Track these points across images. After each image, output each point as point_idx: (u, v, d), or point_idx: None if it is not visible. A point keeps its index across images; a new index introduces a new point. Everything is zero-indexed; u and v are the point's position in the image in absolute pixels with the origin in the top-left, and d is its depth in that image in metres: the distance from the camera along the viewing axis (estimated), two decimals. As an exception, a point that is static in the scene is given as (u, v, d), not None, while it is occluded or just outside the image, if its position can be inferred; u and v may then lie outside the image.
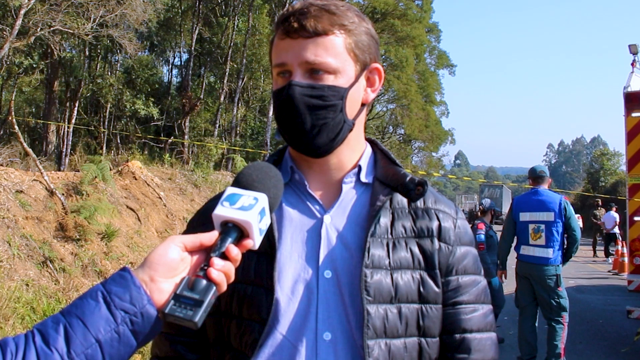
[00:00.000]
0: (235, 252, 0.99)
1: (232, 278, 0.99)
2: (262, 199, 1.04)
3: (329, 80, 1.22)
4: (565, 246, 5.99)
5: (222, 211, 1.02)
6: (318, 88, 1.21)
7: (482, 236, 7.26)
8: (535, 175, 6.26)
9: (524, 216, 6.20)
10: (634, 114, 7.15)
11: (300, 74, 1.22)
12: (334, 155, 1.29)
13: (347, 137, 1.28)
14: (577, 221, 6.01)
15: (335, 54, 1.22)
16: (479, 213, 7.78)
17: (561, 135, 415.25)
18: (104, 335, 0.90)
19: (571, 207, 5.99)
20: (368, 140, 1.40)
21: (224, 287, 0.98)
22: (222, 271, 0.97)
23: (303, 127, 1.22)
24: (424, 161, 46.19)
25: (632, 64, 7.61)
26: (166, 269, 0.96)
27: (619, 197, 13.32)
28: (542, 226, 6.01)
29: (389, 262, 1.23)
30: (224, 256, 0.99)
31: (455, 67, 45.96)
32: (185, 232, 1.34)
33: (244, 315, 1.22)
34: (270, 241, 1.22)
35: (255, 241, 1.03)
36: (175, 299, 0.94)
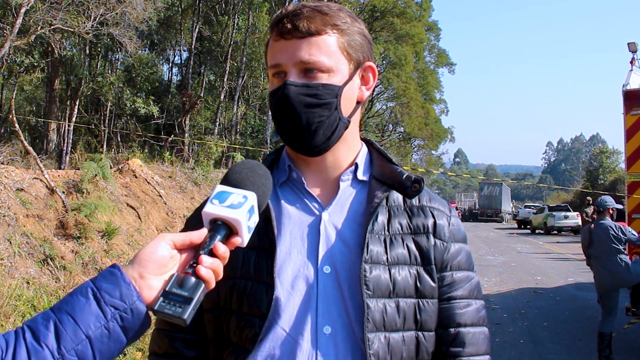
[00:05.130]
0: (223, 249, 1.00)
1: (221, 275, 1.00)
2: (251, 197, 1.05)
3: (323, 79, 1.23)
4: None
5: (212, 209, 1.02)
6: (312, 87, 1.22)
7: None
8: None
9: None
10: (632, 112, 7.16)
11: (295, 74, 1.23)
12: (331, 153, 1.30)
13: (343, 134, 1.30)
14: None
15: (329, 53, 1.23)
16: (597, 213, 6.61)
17: (560, 133, 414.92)
18: (94, 332, 0.90)
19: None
20: (363, 139, 1.41)
21: (213, 284, 0.98)
22: (211, 268, 0.97)
23: (299, 125, 1.24)
24: (424, 159, 46.23)
25: (631, 62, 7.61)
26: (156, 266, 0.97)
27: (617, 195, 13.28)
28: None
29: (387, 258, 1.25)
30: (213, 254, 0.99)
31: (454, 66, 46.09)
32: (183, 231, 1.36)
33: (244, 310, 1.23)
34: (270, 237, 1.24)
35: (243, 239, 1.03)
36: (165, 295, 0.94)
